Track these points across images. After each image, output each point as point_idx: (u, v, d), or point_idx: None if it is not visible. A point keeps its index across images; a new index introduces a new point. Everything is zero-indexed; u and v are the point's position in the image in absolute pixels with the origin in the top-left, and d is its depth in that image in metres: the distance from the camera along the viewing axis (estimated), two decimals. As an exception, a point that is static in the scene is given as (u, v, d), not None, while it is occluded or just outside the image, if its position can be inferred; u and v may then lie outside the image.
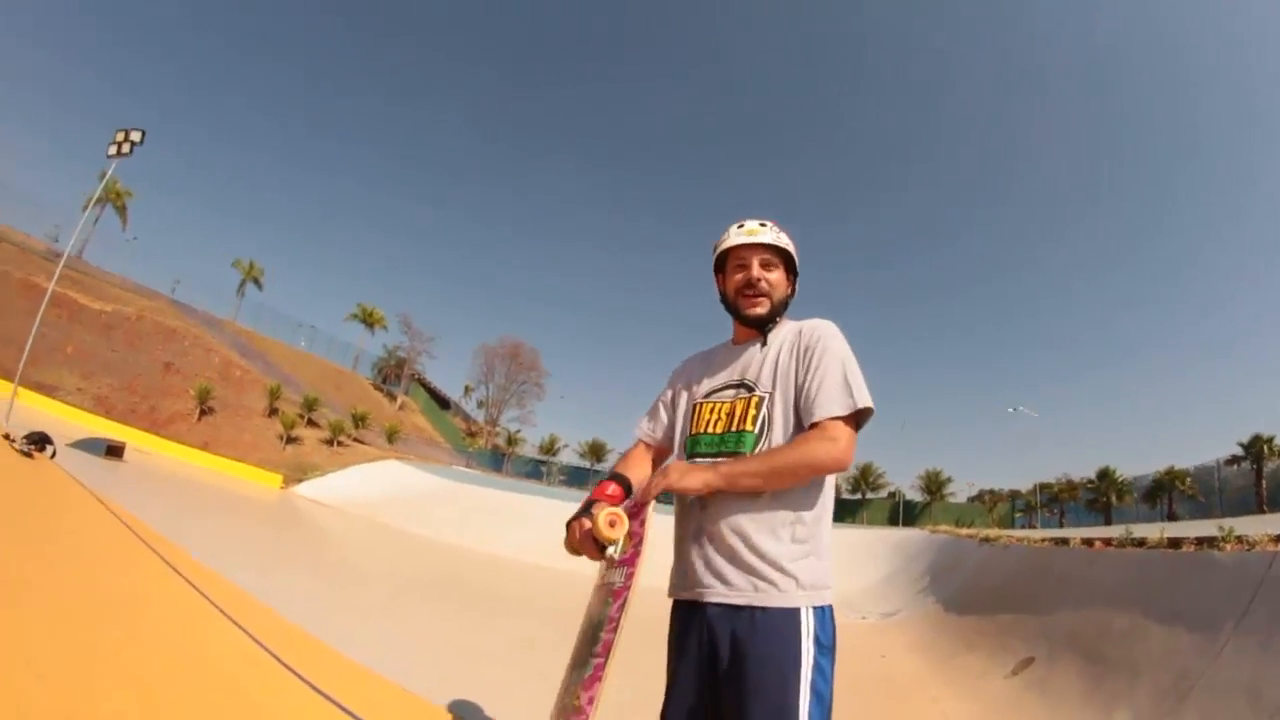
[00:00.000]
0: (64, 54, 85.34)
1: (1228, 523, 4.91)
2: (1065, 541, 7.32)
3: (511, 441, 53.52)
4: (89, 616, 3.64)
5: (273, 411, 30.60)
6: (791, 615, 1.47)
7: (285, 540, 12.37)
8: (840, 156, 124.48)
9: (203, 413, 28.94)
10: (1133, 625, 4.43)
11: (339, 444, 30.34)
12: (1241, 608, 3.60)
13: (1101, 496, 35.72)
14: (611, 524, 1.52)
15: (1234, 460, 29.07)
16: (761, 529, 1.53)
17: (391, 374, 54.16)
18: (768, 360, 1.70)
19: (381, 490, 23.14)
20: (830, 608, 1.55)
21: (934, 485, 43.20)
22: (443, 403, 58.63)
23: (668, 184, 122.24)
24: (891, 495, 44.62)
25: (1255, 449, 27.91)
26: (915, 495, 43.76)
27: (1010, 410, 46.40)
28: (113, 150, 17.46)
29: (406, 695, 3.80)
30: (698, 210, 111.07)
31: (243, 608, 4.95)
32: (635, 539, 1.57)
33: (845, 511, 41.84)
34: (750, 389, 1.69)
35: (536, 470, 49.79)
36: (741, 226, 1.78)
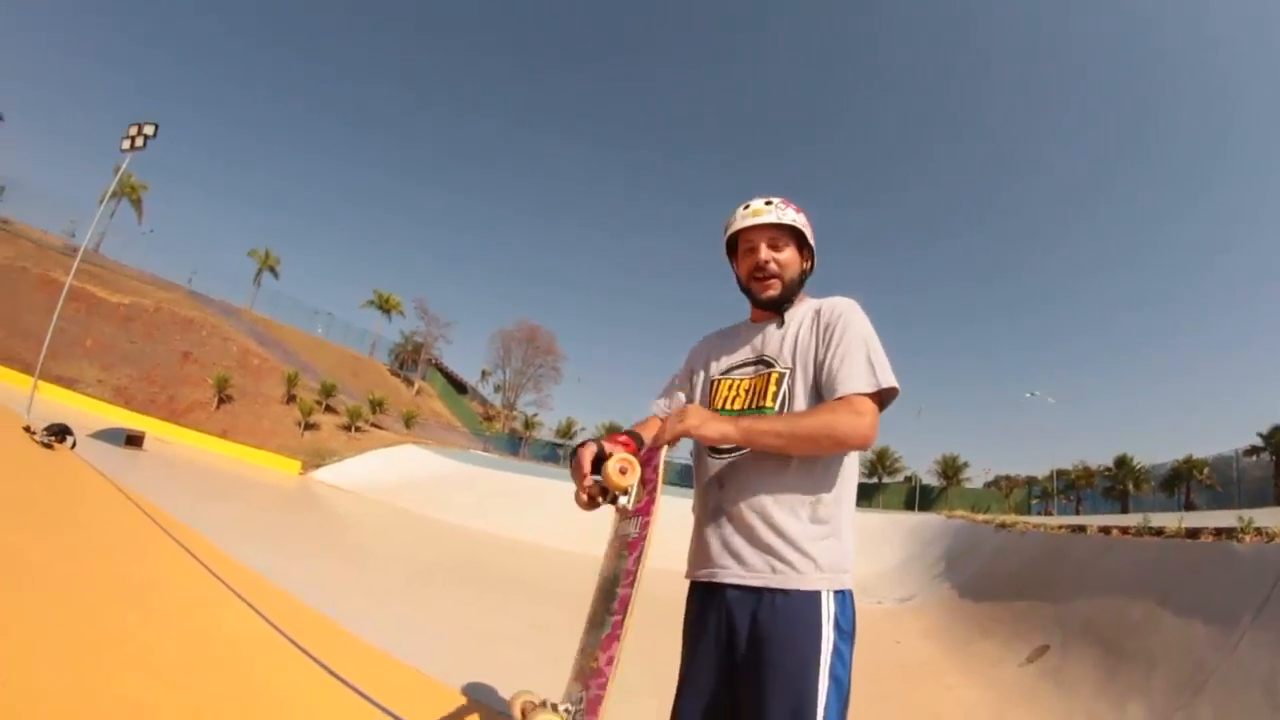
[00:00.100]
0: (77, 50, 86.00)
1: (1247, 514, 4.84)
2: (1082, 529, 7.27)
3: (529, 425, 53.79)
4: (107, 602, 3.71)
5: (291, 398, 30.92)
6: (812, 599, 1.45)
7: (304, 525, 12.52)
8: (865, 141, 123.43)
9: (221, 401, 29.29)
10: (1149, 615, 4.39)
11: (357, 429, 30.63)
12: (1259, 600, 3.56)
13: (1119, 484, 35.46)
14: (623, 471, 1.47)
15: (1253, 451, 28.81)
16: (782, 507, 1.50)
17: (408, 359, 54.44)
18: (787, 337, 1.66)
19: (399, 475, 23.32)
20: (850, 592, 1.52)
21: (950, 470, 42.96)
22: (460, 387, 58.91)
23: (684, 166, 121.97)
24: (908, 479, 44.43)
25: (1275, 440, 27.63)
26: (931, 480, 43.57)
27: (1028, 395, 45.91)
28: (126, 144, 17.50)
29: (422, 678, 3.84)
30: (715, 191, 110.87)
31: (260, 592, 5.01)
32: (649, 486, 1.52)
33: (861, 495, 40.61)
34: (770, 365, 1.65)
35: (554, 454, 49.92)
36: (747, 208, 1.71)
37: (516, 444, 50.04)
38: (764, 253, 1.69)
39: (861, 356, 1.52)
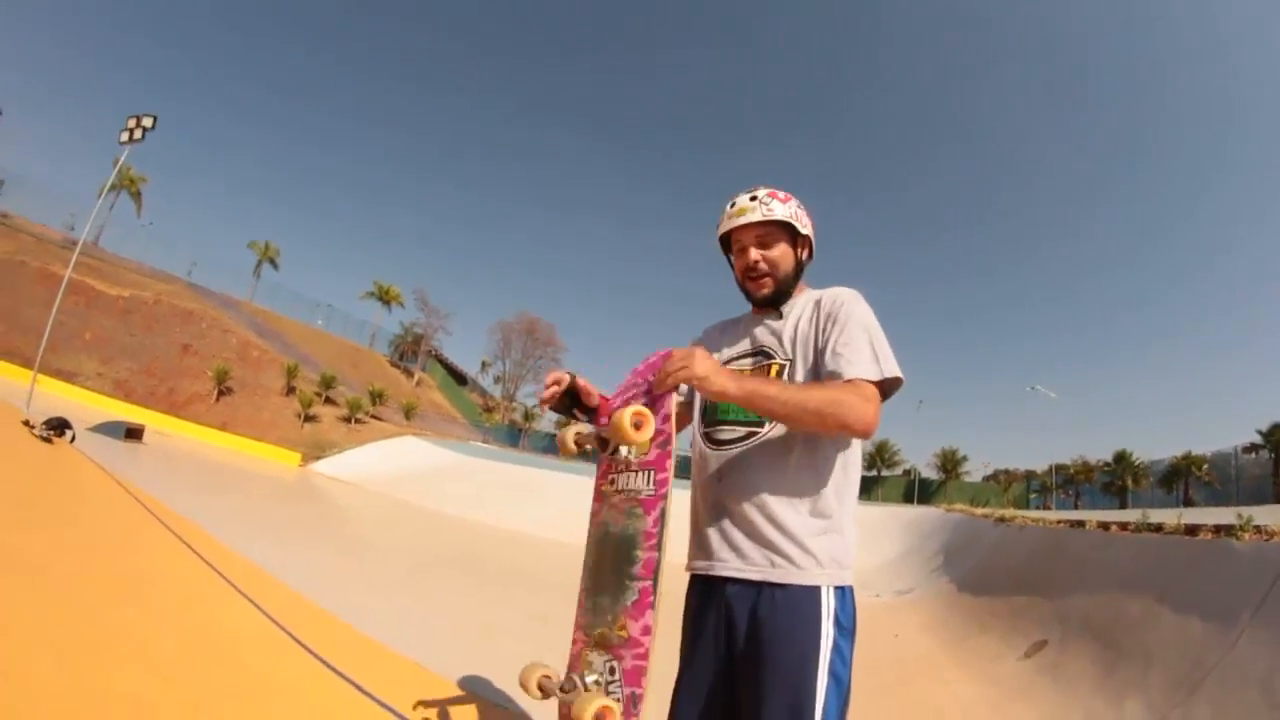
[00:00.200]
0: (75, 42, 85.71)
1: (1246, 511, 4.84)
2: (1081, 524, 7.26)
3: (528, 417, 53.59)
4: (106, 596, 3.72)
5: (290, 390, 30.88)
6: (812, 594, 1.43)
7: (303, 517, 12.52)
8: (869, 135, 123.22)
9: (221, 393, 29.28)
10: (1147, 612, 4.39)
11: (356, 421, 30.62)
12: (1258, 598, 3.56)
13: (1118, 480, 35.53)
14: (638, 425, 1.35)
15: (1252, 448, 28.84)
16: (782, 502, 1.49)
17: (408, 351, 54.41)
18: (786, 329, 1.64)
19: (399, 466, 23.34)
20: (851, 589, 1.51)
21: (950, 464, 43.04)
22: (460, 379, 58.88)
23: (686, 158, 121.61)
24: (907, 473, 44.49)
25: (1274, 437, 27.65)
26: (931, 473, 43.68)
27: (1029, 389, 45.92)
28: (125, 136, 17.48)
29: (420, 670, 3.86)
30: (717, 182, 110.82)
31: (259, 584, 5.03)
32: (661, 437, 1.44)
33: (860, 488, 40.09)
34: (769, 356, 1.64)
35: (553, 445, 49.59)
36: (733, 205, 1.67)
37: (516, 435, 49.95)
38: (753, 253, 1.66)
39: (864, 344, 1.50)
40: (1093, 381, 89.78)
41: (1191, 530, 5.01)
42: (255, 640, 3.78)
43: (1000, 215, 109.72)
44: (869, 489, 42.02)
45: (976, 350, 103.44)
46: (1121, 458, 35.84)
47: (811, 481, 1.51)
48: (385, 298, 51.86)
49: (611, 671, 1.40)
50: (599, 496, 1.60)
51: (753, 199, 1.65)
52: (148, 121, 17.36)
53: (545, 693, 1.44)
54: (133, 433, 17.61)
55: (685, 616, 1.62)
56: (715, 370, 1.42)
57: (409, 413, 36.79)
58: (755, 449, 1.55)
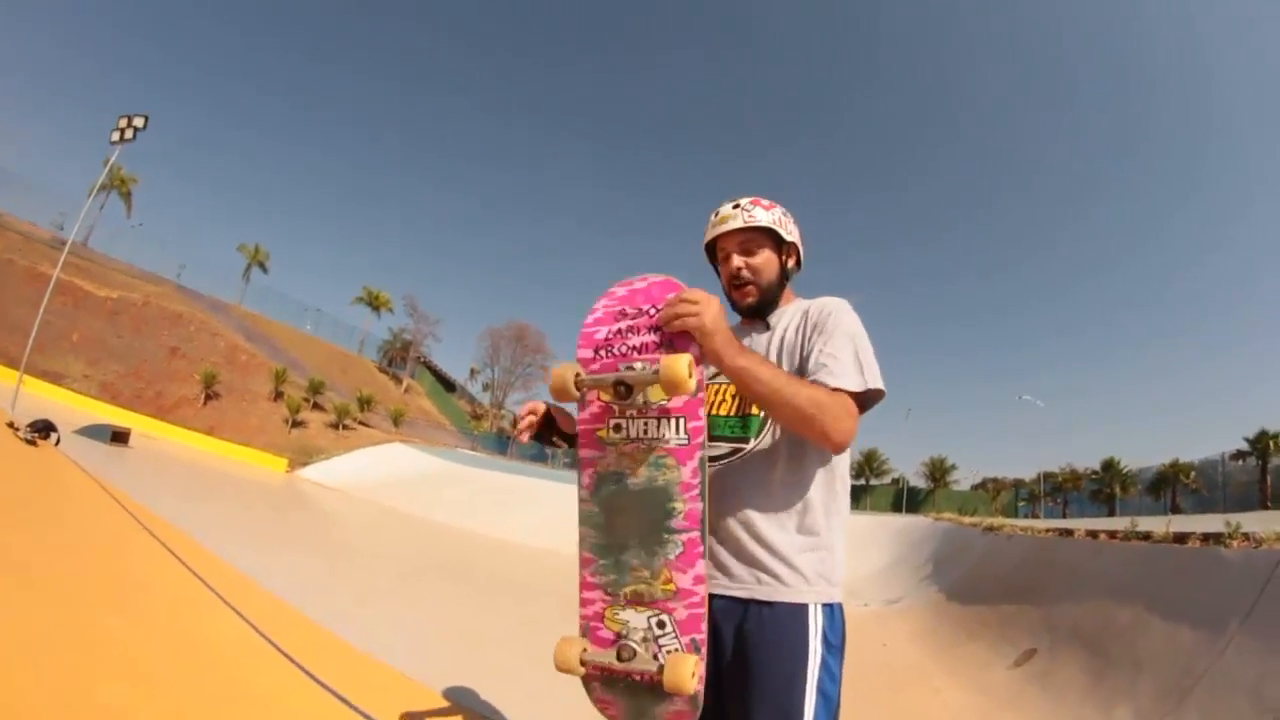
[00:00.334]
0: (66, 41, 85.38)
1: (1234, 518, 4.86)
2: (1070, 532, 7.29)
3: (517, 424, 53.49)
4: (88, 605, 3.65)
5: (278, 395, 30.67)
6: (799, 612, 1.42)
7: (290, 524, 12.42)
8: (851, 143, 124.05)
9: (208, 397, 29.08)
10: (1136, 620, 4.40)
11: (344, 427, 30.45)
12: (1247, 606, 3.57)
13: (1106, 487, 35.72)
14: (691, 374, 1.24)
15: (1239, 455, 29.09)
16: (768, 519, 1.47)
17: (397, 357, 54.18)
18: (773, 340, 1.62)
19: (387, 473, 23.18)
20: (840, 606, 1.49)
21: (938, 472, 43.21)
22: (448, 385, 58.65)
23: (677, 164, 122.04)
24: (895, 481, 44.65)
25: (1261, 445, 27.87)
26: (919, 482, 43.84)
27: (1019, 399, 46.24)
28: (116, 136, 17.39)
29: (405, 680, 3.81)
30: (708, 189, 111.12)
31: (244, 593, 4.96)
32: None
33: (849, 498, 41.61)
34: None
35: (542, 453, 49.66)
36: (717, 214, 1.68)
37: (504, 443, 49.78)
38: (736, 260, 1.65)
39: (850, 354, 1.47)
40: (1081, 388, 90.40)
41: (1180, 538, 5.03)
42: (240, 649, 3.73)
43: (990, 220, 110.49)
44: (858, 498, 42.16)
45: (963, 358, 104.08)
46: (1109, 465, 36.09)
47: (798, 498, 1.49)
48: (375, 303, 51.68)
49: (660, 626, 1.37)
50: (596, 444, 1.46)
51: (736, 207, 1.65)
52: (139, 121, 17.27)
53: (599, 667, 1.39)
54: (119, 436, 17.43)
55: None
56: (723, 331, 1.37)
57: (397, 419, 36.65)
58: (740, 466, 1.53)
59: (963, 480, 44.35)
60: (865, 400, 1.47)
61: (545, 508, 15.41)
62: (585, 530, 1.47)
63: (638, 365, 1.39)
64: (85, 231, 37.52)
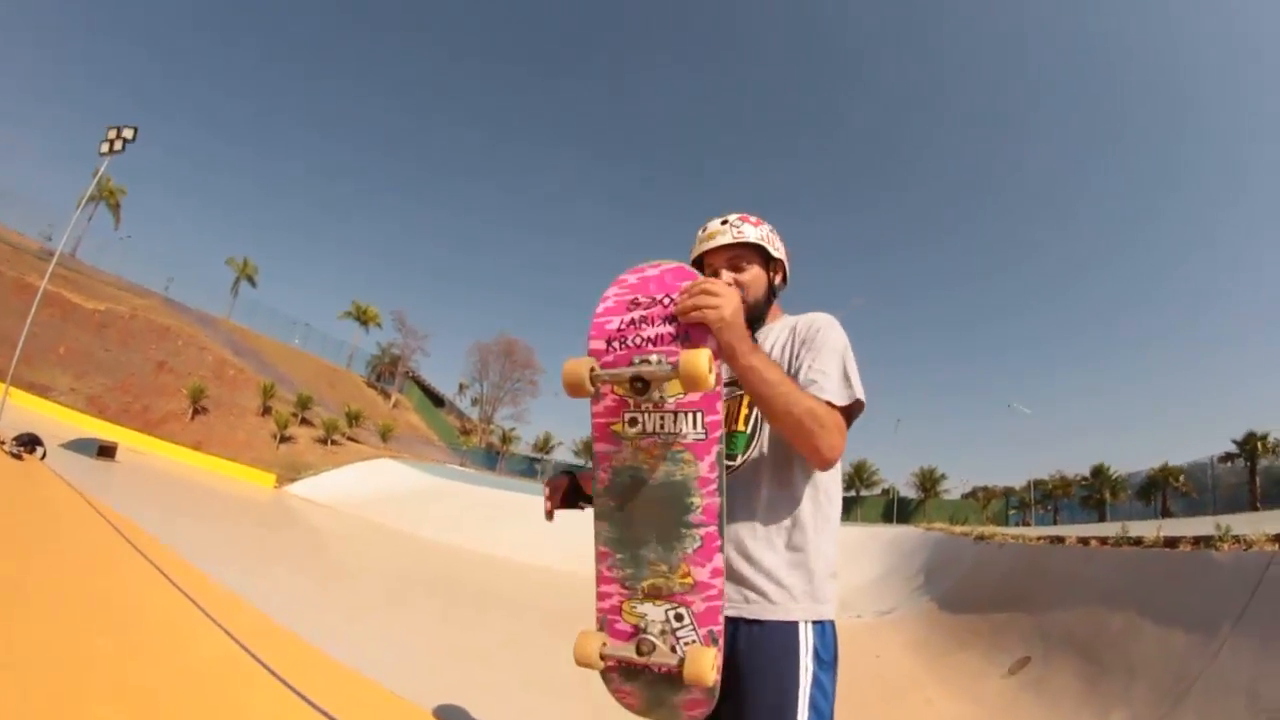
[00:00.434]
0: (55, 50, 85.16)
1: (1223, 520, 4.88)
2: (1061, 540, 7.31)
3: (506, 439, 53.26)
4: (74, 623, 3.59)
5: (266, 410, 30.43)
6: (790, 629, 1.41)
7: (278, 540, 12.30)
8: (841, 152, 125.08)
9: (196, 412, 28.81)
10: (1129, 625, 4.40)
11: (333, 443, 30.22)
12: (1239, 608, 3.58)
13: (1096, 493, 35.86)
14: (709, 369, 1.20)
15: (1227, 457, 29.26)
16: (757, 538, 1.46)
17: (386, 372, 53.95)
18: None
19: (375, 489, 23.06)
20: (831, 623, 1.48)
21: (928, 482, 43.28)
22: (437, 400, 58.44)
23: (664, 180, 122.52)
24: (885, 492, 44.71)
25: (1249, 446, 28.09)
26: (909, 492, 43.90)
27: (1008, 407, 46.51)
28: (105, 147, 17.32)
29: (392, 698, 3.77)
30: (697, 205, 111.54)
31: (231, 611, 4.89)
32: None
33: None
34: (740, 387, 1.57)
35: (531, 468, 49.60)
36: (704, 230, 1.68)
37: (493, 458, 49.61)
38: (724, 276, 1.64)
39: (837, 369, 1.47)
40: (1068, 395, 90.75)
41: (1171, 542, 5.04)
42: (228, 668, 3.67)
43: (973, 226, 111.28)
44: (848, 509, 42.15)
45: (952, 368, 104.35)
46: (1099, 471, 36.24)
47: (785, 514, 1.49)
48: (363, 318, 51.50)
49: (678, 619, 1.36)
50: (611, 438, 1.42)
51: (724, 223, 1.65)
52: (128, 133, 17.21)
53: (604, 657, 1.38)
54: (105, 450, 17.27)
55: None
56: (740, 326, 1.33)
57: (386, 434, 36.43)
58: (729, 482, 1.49)
59: (953, 489, 44.42)
60: (849, 415, 1.46)
61: (534, 523, 15.18)
62: (601, 525, 1.45)
63: (653, 358, 1.35)
64: (73, 242, 37.48)
